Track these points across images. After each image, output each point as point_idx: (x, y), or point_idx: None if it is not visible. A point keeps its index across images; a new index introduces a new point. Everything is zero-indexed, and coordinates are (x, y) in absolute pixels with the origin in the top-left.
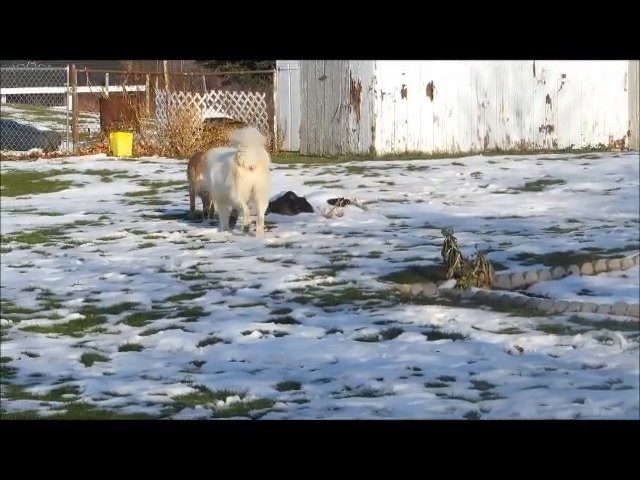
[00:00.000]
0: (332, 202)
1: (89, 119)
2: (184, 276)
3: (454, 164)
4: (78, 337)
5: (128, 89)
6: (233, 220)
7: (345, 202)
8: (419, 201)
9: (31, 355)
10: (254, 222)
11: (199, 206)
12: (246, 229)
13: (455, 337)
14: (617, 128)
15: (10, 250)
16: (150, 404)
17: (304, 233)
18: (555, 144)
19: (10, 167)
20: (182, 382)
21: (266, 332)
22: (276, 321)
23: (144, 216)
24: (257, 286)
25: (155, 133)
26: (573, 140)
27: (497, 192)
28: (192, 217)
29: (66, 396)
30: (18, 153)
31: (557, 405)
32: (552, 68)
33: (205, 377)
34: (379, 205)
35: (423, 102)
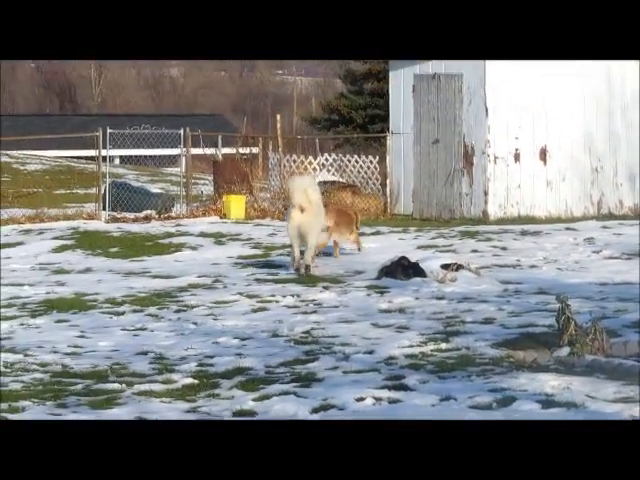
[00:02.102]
0: (445, 267)
1: (202, 181)
2: (297, 341)
3: (567, 229)
4: (191, 402)
5: (241, 151)
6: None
7: (458, 267)
8: (532, 266)
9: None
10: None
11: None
12: (297, 269)
13: (570, 406)
14: None
15: (124, 313)
16: None
17: (417, 298)
18: None
19: (124, 229)
20: None
21: (379, 399)
22: (390, 387)
23: (257, 280)
24: (370, 352)
25: (268, 196)
26: None
27: (611, 258)
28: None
29: None
30: (132, 215)
31: None
32: None
33: None
34: (492, 270)
35: (536, 166)
